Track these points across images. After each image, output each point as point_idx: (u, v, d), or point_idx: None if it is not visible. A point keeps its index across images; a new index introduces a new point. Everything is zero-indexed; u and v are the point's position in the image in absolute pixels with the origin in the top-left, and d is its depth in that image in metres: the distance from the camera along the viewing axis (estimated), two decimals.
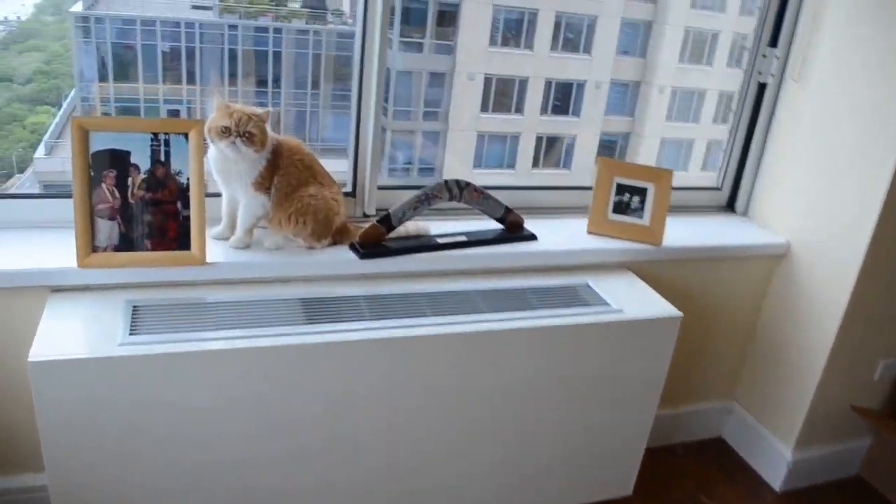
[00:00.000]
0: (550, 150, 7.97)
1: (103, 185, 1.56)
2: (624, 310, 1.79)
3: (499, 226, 1.94)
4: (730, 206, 2.39)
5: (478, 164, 8.03)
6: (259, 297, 1.64)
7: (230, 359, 1.48)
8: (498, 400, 1.73)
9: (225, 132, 1.60)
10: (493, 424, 1.77)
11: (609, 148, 8.30)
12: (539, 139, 7.84)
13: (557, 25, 7.62)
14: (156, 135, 1.58)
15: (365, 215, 1.92)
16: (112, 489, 1.51)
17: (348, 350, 1.55)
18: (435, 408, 1.68)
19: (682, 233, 2.10)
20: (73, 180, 1.53)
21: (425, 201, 1.79)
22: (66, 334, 1.46)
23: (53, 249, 1.60)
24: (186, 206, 1.60)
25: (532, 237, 1.93)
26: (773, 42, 2.19)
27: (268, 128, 1.65)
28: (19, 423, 1.67)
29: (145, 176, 1.58)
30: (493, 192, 1.92)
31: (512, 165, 8.37)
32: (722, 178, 2.37)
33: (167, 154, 1.59)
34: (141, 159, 1.58)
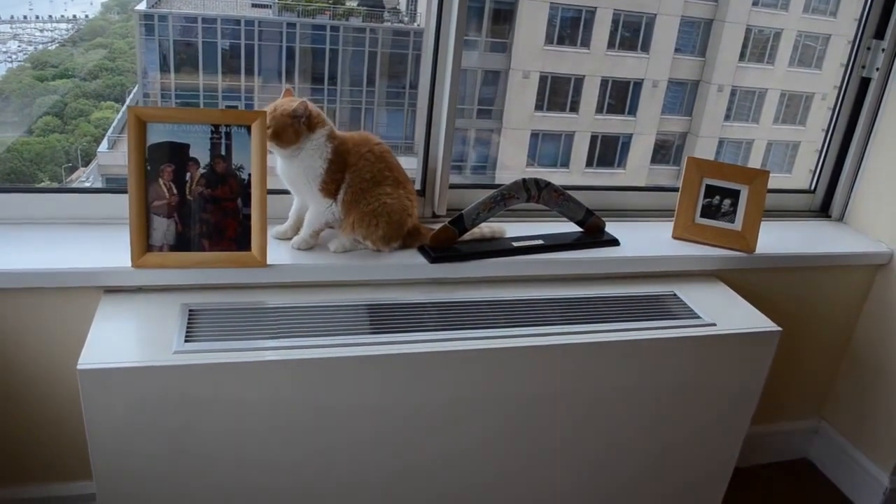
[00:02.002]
0: (605, 149, 7.80)
1: (160, 181, 1.46)
2: (717, 322, 1.63)
3: (578, 229, 1.79)
4: (823, 210, 2.20)
5: (531, 162, 7.91)
6: (322, 302, 1.52)
7: (290, 369, 1.36)
8: (577, 416, 1.59)
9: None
10: (572, 442, 1.62)
11: (664, 147, 8.10)
12: (594, 138, 7.69)
13: (615, 23, 7.45)
14: (216, 127, 1.47)
15: (435, 215, 1.79)
16: (161, 499, 1.40)
17: (416, 362, 1.42)
18: (508, 423, 1.55)
19: (774, 239, 1.93)
20: (128, 175, 1.44)
21: (501, 202, 1.65)
22: (119, 339, 1.36)
23: (107, 248, 1.51)
24: (247, 203, 1.49)
25: (614, 242, 1.78)
26: (880, 33, 2.00)
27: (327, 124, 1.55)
28: (69, 429, 1.59)
29: (204, 171, 1.48)
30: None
31: (566, 164, 8.24)
32: (815, 180, 2.19)
33: (228, 148, 1.48)
34: (200, 153, 1.47)
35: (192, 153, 1.47)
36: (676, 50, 7.68)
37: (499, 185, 1.69)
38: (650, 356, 1.57)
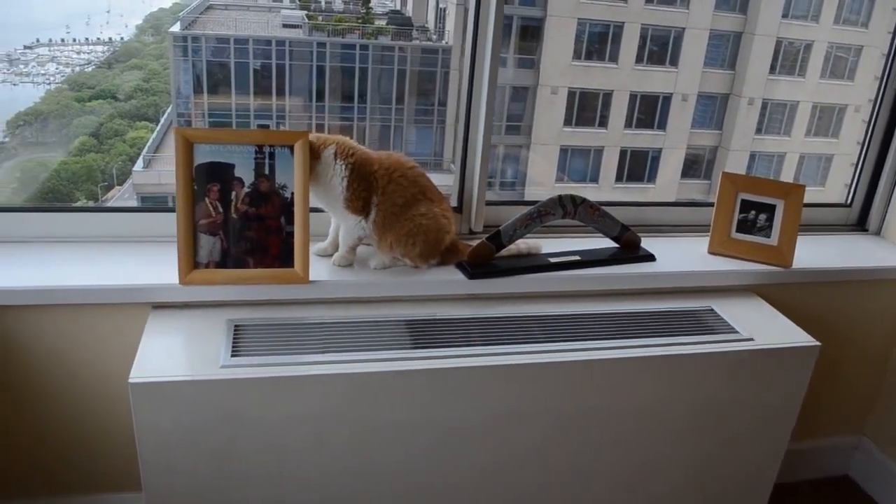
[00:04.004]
0: (635, 164, 7.78)
1: (206, 200, 1.50)
2: (755, 338, 1.63)
3: (613, 245, 1.81)
4: (860, 224, 2.18)
5: (561, 177, 7.90)
6: (363, 317, 1.55)
7: (333, 384, 1.39)
8: (614, 430, 1.59)
9: None
10: (609, 456, 1.63)
11: (695, 162, 8.05)
12: (623, 153, 7.67)
13: (643, 38, 7.45)
14: (260, 147, 1.52)
15: (471, 232, 1.81)
16: None
17: (456, 377, 1.44)
18: (546, 437, 1.56)
19: (811, 253, 1.92)
20: (176, 194, 1.48)
21: (537, 218, 1.67)
22: (167, 354, 1.40)
23: (153, 265, 1.56)
24: (290, 221, 1.53)
25: (650, 257, 1.78)
26: None
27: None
28: (119, 441, 1.63)
29: (249, 190, 1.52)
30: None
31: (595, 180, 8.21)
32: (852, 194, 2.17)
33: (272, 167, 1.52)
34: (245, 172, 1.52)
35: (237, 173, 1.51)
36: (705, 63, 7.64)
37: (534, 202, 1.71)
38: (689, 371, 1.58)
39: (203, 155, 1.50)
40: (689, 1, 7.49)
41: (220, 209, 1.51)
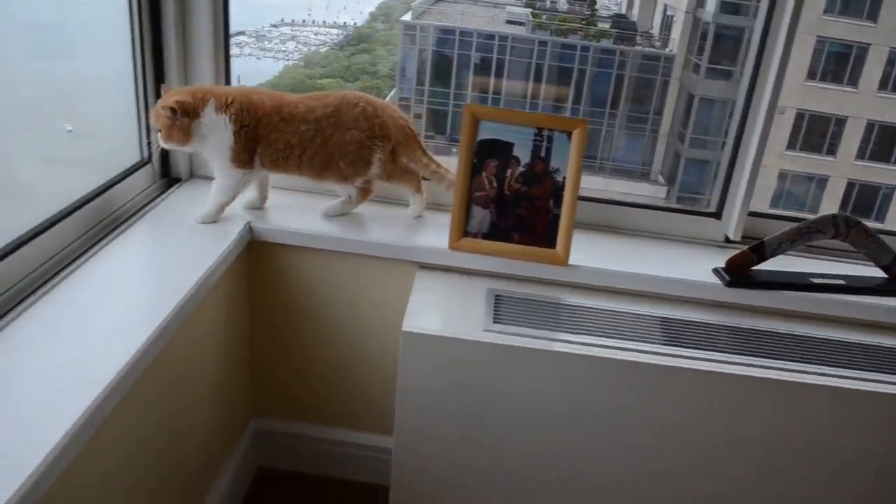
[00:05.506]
0: (862, 198, 7.20)
1: (483, 174, 1.60)
2: None
3: (882, 274, 1.70)
4: None
5: (775, 203, 7.46)
6: (616, 307, 1.58)
7: (587, 365, 1.43)
8: (843, 470, 1.50)
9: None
10: (828, 492, 1.54)
11: None
12: (850, 185, 7.11)
13: (891, 62, 6.85)
14: (540, 130, 1.59)
15: (728, 241, 1.79)
16: (451, 466, 1.54)
17: (706, 381, 1.43)
18: (780, 459, 1.50)
19: None
20: (458, 166, 1.59)
21: (806, 235, 1.61)
22: (434, 310, 1.51)
23: (418, 229, 1.70)
24: (558, 204, 1.59)
25: None
26: None
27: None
28: (379, 385, 1.78)
29: (523, 169, 1.59)
30: None
31: (815, 210, 7.70)
32: None
33: (548, 150, 1.59)
34: (522, 152, 1.59)
35: (515, 152, 1.59)
36: None
37: (802, 219, 1.65)
38: None
39: (487, 132, 1.59)
40: None
41: (495, 184, 1.60)
